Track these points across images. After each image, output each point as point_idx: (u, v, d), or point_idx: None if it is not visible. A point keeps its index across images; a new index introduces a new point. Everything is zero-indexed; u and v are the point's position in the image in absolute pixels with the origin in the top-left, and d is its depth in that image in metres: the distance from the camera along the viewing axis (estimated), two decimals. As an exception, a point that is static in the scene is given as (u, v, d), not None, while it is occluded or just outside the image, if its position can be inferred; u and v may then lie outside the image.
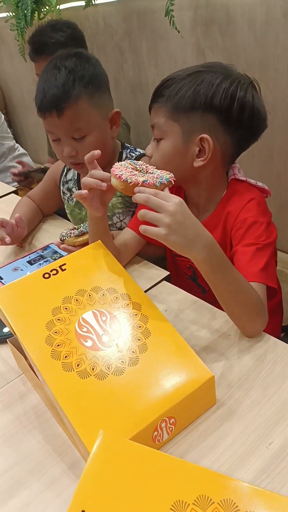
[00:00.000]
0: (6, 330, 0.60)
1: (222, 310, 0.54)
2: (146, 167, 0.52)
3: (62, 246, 0.70)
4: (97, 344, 0.44)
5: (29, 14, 1.33)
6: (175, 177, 0.51)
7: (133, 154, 0.79)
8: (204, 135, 0.56)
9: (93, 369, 0.42)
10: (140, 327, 0.46)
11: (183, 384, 0.42)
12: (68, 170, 0.87)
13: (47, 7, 1.35)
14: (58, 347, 0.43)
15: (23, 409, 0.49)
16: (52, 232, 0.87)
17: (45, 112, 0.67)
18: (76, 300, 0.47)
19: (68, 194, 0.87)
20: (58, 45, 1.00)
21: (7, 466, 0.43)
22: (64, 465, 0.43)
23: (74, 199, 0.86)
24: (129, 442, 0.34)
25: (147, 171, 0.51)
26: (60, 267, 0.49)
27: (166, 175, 0.49)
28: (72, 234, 0.70)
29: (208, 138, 0.56)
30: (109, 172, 0.51)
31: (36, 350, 0.43)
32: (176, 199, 0.45)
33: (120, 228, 0.78)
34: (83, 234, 0.70)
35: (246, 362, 0.50)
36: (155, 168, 0.52)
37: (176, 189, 0.67)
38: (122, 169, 0.49)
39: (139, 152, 0.81)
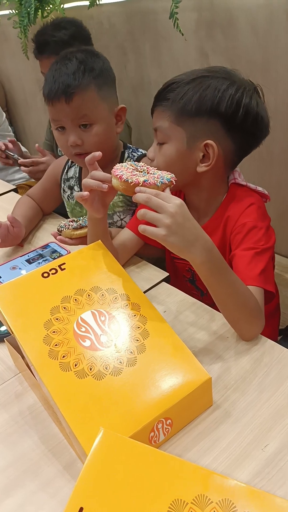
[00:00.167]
0: (3, 329, 0.60)
1: (220, 312, 0.54)
2: (147, 168, 0.52)
3: (58, 237, 0.70)
4: (95, 344, 0.44)
5: (33, 12, 1.32)
6: (177, 182, 0.52)
7: (135, 154, 0.80)
8: (209, 141, 0.56)
9: (90, 369, 0.42)
10: (138, 327, 0.46)
11: (180, 385, 0.42)
12: (70, 167, 0.87)
13: (51, 6, 1.34)
14: (56, 346, 0.43)
15: (19, 408, 0.49)
16: (51, 231, 0.87)
17: (54, 99, 0.68)
18: (75, 300, 0.47)
19: (69, 192, 0.87)
20: (60, 44, 1.00)
21: (2, 466, 0.43)
22: (60, 465, 0.43)
23: (74, 197, 0.86)
24: (129, 440, 0.34)
25: (148, 172, 0.51)
26: (59, 266, 0.49)
27: (167, 175, 0.49)
28: (70, 226, 0.69)
29: (213, 144, 0.56)
30: (111, 172, 0.51)
31: (34, 349, 0.43)
32: (177, 200, 0.45)
33: (121, 227, 0.78)
34: (81, 227, 0.70)
35: (243, 364, 0.50)
36: (156, 169, 0.52)
37: (176, 193, 0.67)
38: (123, 170, 0.49)
39: (141, 152, 0.81)
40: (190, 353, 0.45)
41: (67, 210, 0.91)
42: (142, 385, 0.41)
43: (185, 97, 0.55)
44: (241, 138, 0.59)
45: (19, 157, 1.07)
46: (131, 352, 0.44)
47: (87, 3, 1.23)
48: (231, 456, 0.41)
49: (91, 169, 0.53)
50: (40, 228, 0.89)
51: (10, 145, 1.09)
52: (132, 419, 0.39)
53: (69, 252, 0.77)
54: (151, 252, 0.72)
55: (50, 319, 0.45)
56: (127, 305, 0.47)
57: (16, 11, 1.45)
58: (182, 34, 0.99)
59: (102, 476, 0.32)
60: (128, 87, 1.39)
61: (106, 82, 0.71)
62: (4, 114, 1.42)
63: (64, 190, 0.88)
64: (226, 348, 0.52)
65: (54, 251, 0.78)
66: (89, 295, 0.47)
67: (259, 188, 0.64)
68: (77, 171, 0.85)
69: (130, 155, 0.79)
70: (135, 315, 0.47)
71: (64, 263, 0.49)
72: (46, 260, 0.76)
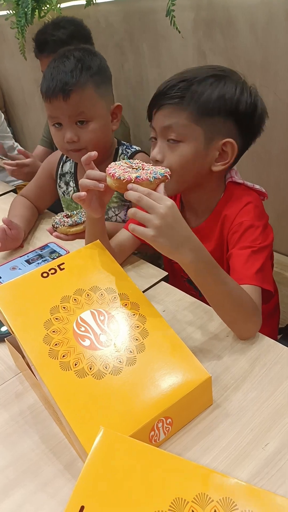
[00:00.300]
0: (3, 329, 0.60)
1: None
2: (142, 164, 0.51)
3: (54, 234, 0.71)
4: (95, 344, 0.44)
5: (30, 12, 1.32)
6: (188, 181, 0.51)
7: (128, 151, 0.80)
8: (230, 140, 0.56)
9: (90, 368, 0.42)
10: (138, 327, 0.46)
11: (180, 384, 0.42)
12: (65, 162, 0.87)
13: (47, 6, 1.34)
14: (56, 346, 0.43)
15: (20, 408, 0.49)
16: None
17: (51, 96, 0.68)
18: (74, 299, 0.47)
19: (65, 188, 0.87)
20: (59, 43, 1.00)
21: (2, 465, 0.43)
22: (60, 465, 0.43)
23: (71, 193, 0.86)
24: (129, 439, 0.34)
25: (143, 168, 0.51)
26: (58, 266, 0.49)
27: (160, 170, 0.49)
28: (66, 223, 0.70)
29: (233, 143, 0.57)
30: (101, 169, 0.51)
31: (34, 349, 0.43)
32: (168, 201, 0.45)
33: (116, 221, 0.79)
34: (77, 224, 0.70)
35: (243, 363, 0.50)
36: (151, 165, 0.52)
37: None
38: (116, 168, 0.49)
39: (135, 148, 0.81)
40: (190, 352, 0.45)
41: (63, 206, 0.91)
42: (142, 384, 0.42)
43: (204, 96, 0.55)
44: (249, 136, 0.60)
45: (2, 157, 1.06)
46: (130, 352, 0.44)
47: (84, 2, 1.23)
48: (231, 455, 0.41)
49: (87, 169, 0.53)
50: (39, 228, 0.89)
51: None
52: (132, 418, 0.40)
53: (68, 252, 0.77)
54: (152, 249, 0.73)
55: (50, 318, 0.45)
56: (126, 304, 0.47)
57: (14, 12, 1.45)
58: (179, 32, 0.99)
59: (102, 475, 0.32)
60: (126, 87, 1.39)
61: (103, 80, 0.72)
62: (3, 115, 1.41)
63: (59, 186, 0.88)
64: (226, 347, 0.52)
65: (53, 251, 0.78)
66: (88, 294, 0.47)
67: (257, 186, 0.64)
68: (72, 166, 0.85)
69: (124, 152, 0.80)
70: (134, 315, 0.47)
71: (63, 263, 0.49)
72: (45, 260, 0.76)
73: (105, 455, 0.33)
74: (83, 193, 0.52)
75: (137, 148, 0.81)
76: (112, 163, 0.50)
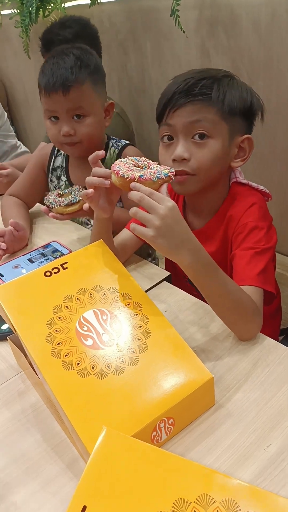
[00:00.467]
0: (5, 327, 0.60)
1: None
2: (148, 163, 0.51)
3: (50, 214, 0.73)
4: (98, 343, 0.44)
5: (34, 11, 1.33)
6: (212, 179, 0.52)
7: (119, 144, 0.83)
8: (249, 136, 0.59)
9: (93, 368, 0.42)
10: (140, 327, 0.46)
11: (182, 384, 0.42)
12: (56, 156, 0.88)
13: (52, 5, 1.34)
14: (59, 345, 0.43)
15: (22, 407, 0.49)
16: (53, 231, 0.87)
17: (51, 90, 0.71)
18: (77, 298, 0.47)
19: (56, 182, 0.88)
20: (64, 42, 1.00)
21: (4, 464, 0.43)
22: (62, 464, 0.43)
23: (63, 186, 0.87)
24: (132, 439, 0.34)
25: (149, 167, 0.51)
26: (61, 265, 0.49)
27: (165, 170, 0.48)
28: (62, 203, 0.71)
29: (251, 139, 0.59)
30: (111, 167, 0.51)
31: (37, 348, 0.43)
32: (169, 202, 0.45)
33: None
34: (72, 204, 0.72)
35: (245, 364, 0.50)
36: (157, 164, 0.51)
37: (174, 194, 0.67)
38: (121, 165, 0.49)
39: (124, 142, 0.84)
40: (192, 352, 0.45)
41: None
42: (144, 384, 0.41)
43: (228, 95, 0.56)
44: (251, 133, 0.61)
45: None
46: (133, 351, 0.44)
47: (88, 1, 1.23)
48: (233, 456, 0.41)
49: (93, 167, 0.54)
50: (41, 227, 0.89)
51: None
52: (134, 418, 0.40)
53: (70, 251, 0.77)
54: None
55: (53, 318, 0.45)
56: (129, 304, 0.47)
57: (18, 11, 1.45)
58: (184, 32, 0.99)
59: (105, 475, 0.32)
60: (129, 86, 1.39)
61: (99, 78, 0.76)
62: (6, 114, 1.42)
63: (51, 180, 0.89)
64: (228, 347, 0.52)
65: (56, 250, 0.78)
66: (91, 294, 0.47)
67: (261, 187, 0.64)
68: (64, 161, 0.87)
69: (115, 145, 0.83)
70: (136, 314, 0.47)
71: (66, 262, 0.49)
72: (48, 259, 0.76)
73: (107, 455, 0.33)
74: (90, 190, 0.53)
75: (126, 141, 0.84)
76: (118, 160, 0.50)
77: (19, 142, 1.44)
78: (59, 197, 0.73)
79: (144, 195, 0.45)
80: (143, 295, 0.49)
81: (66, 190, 0.74)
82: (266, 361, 0.50)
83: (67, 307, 0.46)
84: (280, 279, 0.70)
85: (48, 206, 0.72)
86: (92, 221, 0.90)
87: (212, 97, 0.55)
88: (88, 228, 0.90)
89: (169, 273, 0.68)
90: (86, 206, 0.71)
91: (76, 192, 0.72)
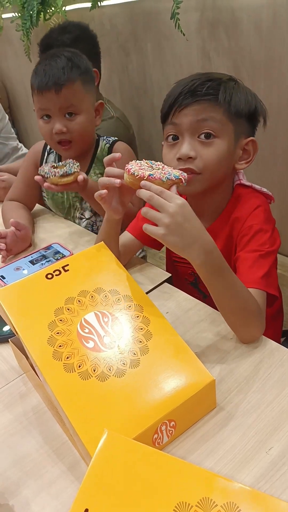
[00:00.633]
0: (6, 329, 0.60)
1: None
2: (162, 166, 0.51)
3: (45, 184, 0.73)
4: (99, 346, 0.44)
5: (35, 15, 1.33)
6: (217, 180, 0.52)
7: (110, 139, 0.87)
8: (254, 138, 0.59)
9: (94, 370, 0.42)
10: (141, 329, 0.46)
11: (183, 387, 0.42)
12: (49, 153, 0.89)
13: (53, 8, 1.35)
14: (60, 347, 0.43)
15: (23, 409, 0.49)
16: (54, 232, 0.88)
17: (44, 89, 0.74)
18: (79, 301, 0.47)
19: None
20: (62, 47, 1.00)
21: (6, 466, 0.43)
22: (64, 466, 0.43)
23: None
24: (133, 442, 0.34)
25: (163, 169, 0.50)
26: (63, 268, 0.49)
27: (176, 172, 0.49)
28: (57, 174, 0.73)
29: (255, 141, 0.59)
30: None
31: (38, 350, 0.43)
32: (179, 200, 0.45)
33: None
34: (67, 175, 0.72)
35: (246, 366, 0.50)
36: (171, 168, 0.51)
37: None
38: (134, 165, 0.49)
39: (114, 139, 0.87)
40: (193, 354, 0.44)
41: (46, 197, 0.93)
42: (146, 387, 0.41)
43: (234, 96, 0.56)
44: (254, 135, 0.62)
45: None
46: (134, 354, 0.44)
47: (89, 5, 1.24)
48: (235, 458, 0.41)
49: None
50: (42, 228, 0.89)
51: None
52: (136, 421, 0.40)
53: (72, 253, 0.77)
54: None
55: (54, 320, 0.45)
56: (130, 306, 0.47)
57: (19, 14, 1.46)
58: (184, 35, 0.99)
59: (106, 478, 0.32)
60: (130, 87, 1.40)
61: (89, 79, 0.79)
62: (7, 116, 1.42)
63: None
64: (229, 350, 0.52)
65: (57, 252, 0.78)
66: (92, 296, 0.48)
67: (264, 189, 0.64)
68: (56, 159, 0.88)
69: (106, 140, 0.87)
70: (138, 316, 0.47)
71: (67, 265, 0.49)
72: (50, 261, 0.76)
73: (108, 458, 0.33)
74: (103, 191, 0.53)
75: (115, 138, 0.87)
76: (133, 161, 0.51)
77: (20, 144, 1.44)
78: (53, 168, 0.74)
79: (153, 194, 0.45)
80: (144, 297, 0.49)
81: (60, 163, 0.75)
82: (268, 363, 0.50)
83: (68, 309, 0.46)
84: (282, 280, 0.70)
85: (43, 176, 0.73)
86: (85, 215, 0.90)
87: (219, 98, 0.55)
88: (82, 223, 0.91)
89: (170, 275, 0.68)
90: (80, 178, 0.73)
91: (71, 165, 0.74)
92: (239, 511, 0.30)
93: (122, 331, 0.45)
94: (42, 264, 0.75)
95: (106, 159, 0.54)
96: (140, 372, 0.42)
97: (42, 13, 1.37)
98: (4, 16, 1.69)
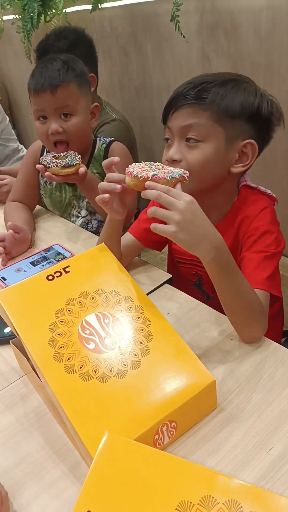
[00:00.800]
0: (7, 330, 0.60)
1: (224, 314, 0.54)
2: (162, 167, 0.52)
3: (46, 173, 0.75)
4: (100, 347, 0.44)
5: (36, 17, 1.34)
6: (207, 183, 0.51)
7: (106, 139, 0.88)
8: (251, 141, 0.57)
9: (95, 371, 0.42)
10: (142, 330, 0.46)
11: (184, 388, 0.42)
12: (48, 152, 0.89)
13: (53, 10, 1.36)
14: (61, 349, 0.43)
15: (24, 410, 0.49)
16: (55, 233, 0.88)
17: (40, 90, 0.76)
18: (79, 302, 0.47)
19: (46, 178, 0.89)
20: (59, 53, 1.01)
21: (7, 467, 0.43)
22: (65, 467, 0.43)
23: (54, 182, 0.89)
24: (134, 443, 0.34)
25: (163, 168, 0.51)
26: (63, 269, 0.49)
27: (179, 171, 0.49)
28: (59, 164, 0.74)
29: (254, 144, 0.57)
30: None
31: (39, 351, 0.43)
32: (187, 197, 0.45)
33: None
34: (69, 166, 0.74)
35: (247, 367, 0.50)
36: (171, 167, 0.51)
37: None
38: (135, 167, 0.49)
39: (110, 139, 0.88)
40: (194, 355, 0.45)
41: (44, 195, 0.93)
42: (146, 388, 0.42)
43: (226, 99, 0.55)
44: (266, 139, 0.60)
45: None
46: (135, 355, 0.44)
47: (89, 7, 1.24)
48: (236, 459, 0.41)
49: (107, 172, 0.54)
50: (43, 230, 0.90)
51: None
52: (137, 422, 0.40)
53: (73, 254, 0.77)
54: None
55: (55, 321, 0.45)
56: (131, 307, 0.47)
57: (20, 16, 1.46)
58: (184, 37, 1.00)
59: (108, 479, 0.32)
60: (130, 89, 1.40)
61: (84, 82, 0.81)
62: (8, 118, 1.43)
63: (41, 176, 0.91)
64: (230, 350, 0.52)
65: (58, 253, 0.78)
66: (93, 297, 0.48)
67: (268, 191, 0.64)
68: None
69: (102, 140, 0.88)
70: (138, 318, 0.47)
71: (68, 266, 0.50)
72: (50, 262, 0.76)
73: (110, 459, 0.33)
74: (106, 195, 0.53)
75: (112, 138, 0.89)
76: (133, 164, 0.51)
77: (21, 146, 1.44)
78: (55, 158, 0.76)
79: (161, 193, 0.44)
80: (145, 298, 0.49)
81: (61, 154, 0.77)
82: (268, 363, 0.50)
83: (69, 310, 0.46)
84: (282, 281, 0.70)
85: (44, 166, 0.75)
86: (81, 213, 0.91)
87: (207, 101, 0.55)
88: (78, 221, 0.91)
89: (171, 276, 0.68)
90: (81, 170, 0.74)
91: (73, 156, 0.76)
92: (241, 508, 0.30)
93: (123, 332, 0.45)
94: (43, 265, 0.75)
95: (105, 163, 0.54)
96: (141, 373, 0.42)
97: (42, 15, 1.38)
98: (4, 18, 1.70)
